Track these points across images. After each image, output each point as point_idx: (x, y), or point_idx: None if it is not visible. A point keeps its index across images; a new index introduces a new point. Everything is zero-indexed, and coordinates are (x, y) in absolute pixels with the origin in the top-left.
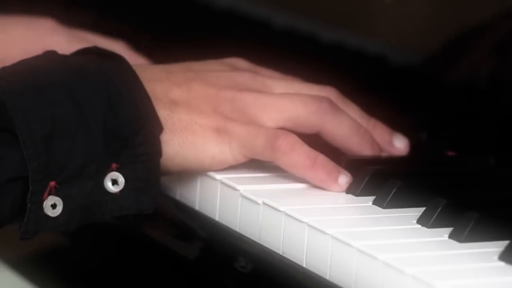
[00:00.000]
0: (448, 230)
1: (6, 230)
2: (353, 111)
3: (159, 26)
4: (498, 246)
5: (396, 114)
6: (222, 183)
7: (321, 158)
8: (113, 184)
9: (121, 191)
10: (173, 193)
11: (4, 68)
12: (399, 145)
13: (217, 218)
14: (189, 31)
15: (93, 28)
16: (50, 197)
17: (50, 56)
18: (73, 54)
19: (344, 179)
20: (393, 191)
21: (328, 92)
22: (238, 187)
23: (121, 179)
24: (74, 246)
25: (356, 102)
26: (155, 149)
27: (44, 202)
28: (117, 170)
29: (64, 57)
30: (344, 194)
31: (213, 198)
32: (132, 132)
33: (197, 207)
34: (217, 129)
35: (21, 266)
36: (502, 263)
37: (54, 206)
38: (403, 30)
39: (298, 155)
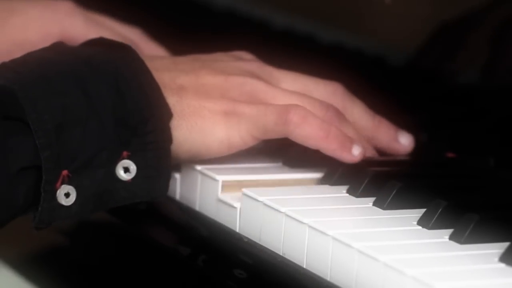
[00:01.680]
0: (449, 231)
1: (5, 230)
2: (358, 108)
3: (159, 25)
4: (499, 248)
5: (396, 115)
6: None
7: (334, 129)
8: (125, 172)
9: (133, 179)
10: (173, 193)
11: (14, 60)
12: (404, 141)
13: (217, 218)
14: (188, 30)
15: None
16: (63, 186)
17: (58, 47)
18: (80, 45)
19: (357, 149)
20: (394, 193)
21: (335, 86)
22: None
23: (132, 167)
24: (73, 245)
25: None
26: (165, 137)
27: (58, 191)
28: (128, 158)
29: (72, 48)
30: (344, 195)
31: (213, 198)
32: (142, 120)
33: (197, 207)
34: (225, 112)
35: (21, 266)
36: (502, 265)
37: (67, 195)
38: (402, 30)
39: (312, 126)
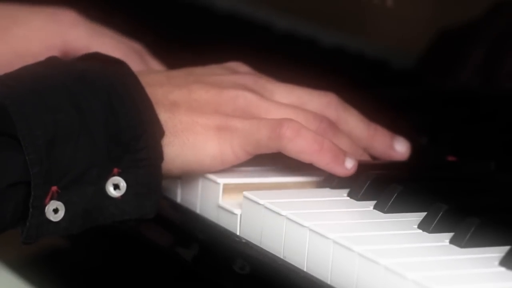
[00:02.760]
0: (449, 235)
1: (6, 232)
2: (354, 117)
3: (160, 29)
4: (499, 252)
5: (397, 118)
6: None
7: (328, 142)
8: (114, 188)
9: (122, 196)
10: (174, 196)
11: (7, 74)
12: (400, 148)
13: (217, 221)
14: (190, 33)
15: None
16: (52, 201)
17: (52, 62)
18: (75, 60)
19: (350, 162)
20: (394, 196)
21: (330, 97)
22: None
23: (122, 184)
24: (73, 247)
25: (356, 106)
26: (157, 154)
27: (46, 207)
28: (119, 174)
29: (66, 62)
30: (345, 198)
31: (214, 201)
32: (134, 137)
33: (198, 210)
34: (218, 127)
35: (21, 268)
36: (502, 269)
37: (56, 210)
38: (404, 33)
39: (305, 140)
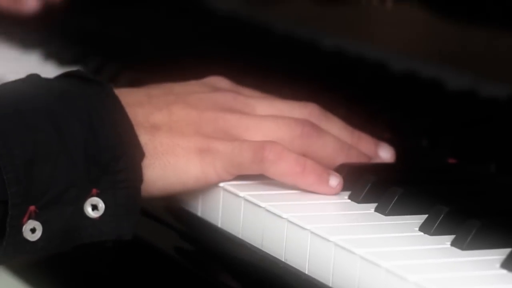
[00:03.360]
0: (450, 237)
1: None
2: (336, 126)
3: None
4: (500, 254)
5: (397, 121)
6: (225, 189)
7: (310, 163)
8: (93, 209)
9: (101, 217)
10: (175, 199)
11: None
12: (385, 155)
13: (219, 225)
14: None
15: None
16: (30, 221)
17: (33, 79)
18: (56, 78)
19: (335, 180)
20: (395, 199)
21: (310, 108)
22: (241, 193)
23: (101, 205)
24: (75, 250)
25: (356, 109)
26: (136, 176)
27: (24, 226)
28: (97, 195)
29: (47, 80)
30: (346, 201)
31: (215, 204)
32: (113, 158)
33: (199, 214)
34: (199, 149)
35: (23, 272)
36: (504, 271)
37: (33, 230)
38: (403, 36)
39: (287, 162)
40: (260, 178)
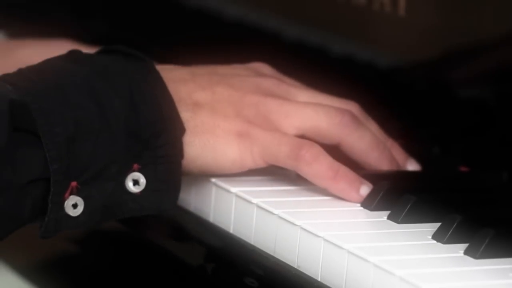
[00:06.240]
0: (464, 246)
1: (15, 236)
2: (374, 126)
3: (168, 37)
4: None
5: (409, 128)
6: (237, 196)
7: (343, 169)
8: (134, 184)
9: (142, 192)
10: (187, 204)
11: (29, 68)
12: (412, 169)
13: (231, 231)
14: (199, 41)
15: (104, 39)
16: (72, 196)
17: (74, 55)
18: (98, 53)
19: (366, 190)
20: (408, 206)
21: (351, 106)
22: (254, 200)
23: (142, 180)
24: (83, 253)
25: (368, 115)
26: (177, 151)
27: (66, 202)
28: (139, 170)
29: (89, 56)
30: (359, 208)
31: (227, 210)
32: (154, 134)
33: (211, 219)
34: (239, 133)
35: (30, 273)
36: None
37: (75, 205)
38: (415, 42)
39: (321, 165)
40: (273, 184)
